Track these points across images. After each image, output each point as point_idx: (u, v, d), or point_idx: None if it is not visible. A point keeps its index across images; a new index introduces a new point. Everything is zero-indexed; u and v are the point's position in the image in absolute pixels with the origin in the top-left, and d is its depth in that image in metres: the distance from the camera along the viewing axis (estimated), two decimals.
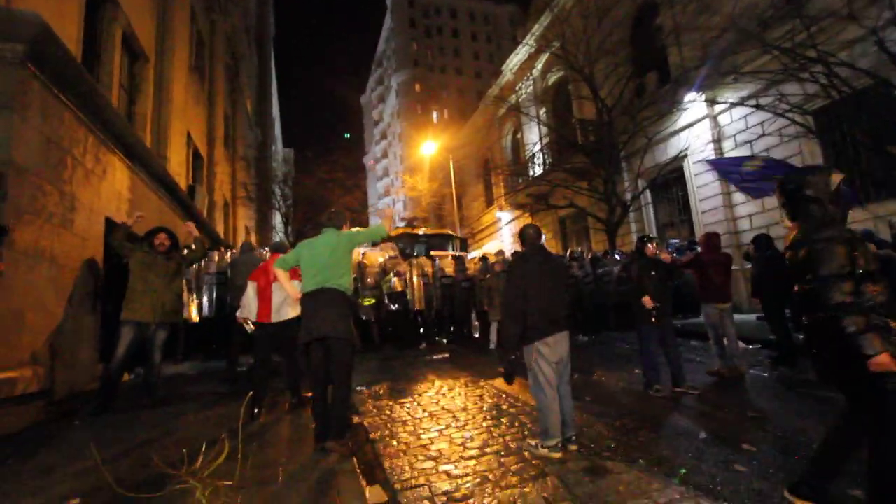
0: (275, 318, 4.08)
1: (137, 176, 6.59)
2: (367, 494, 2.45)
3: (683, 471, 2.71)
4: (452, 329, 8.65)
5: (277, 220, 20.20)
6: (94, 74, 6.63)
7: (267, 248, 6.92)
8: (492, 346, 7.50)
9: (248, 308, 4.09)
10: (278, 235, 18.97)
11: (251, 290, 4.12)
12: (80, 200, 4.84)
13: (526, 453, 3.05)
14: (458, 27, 52.87)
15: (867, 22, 6.24)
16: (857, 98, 7.08)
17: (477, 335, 8.38)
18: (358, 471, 2.73)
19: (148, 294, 4.28)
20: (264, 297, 4.06)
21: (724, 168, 7.78)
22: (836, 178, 2.25)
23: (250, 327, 4.22)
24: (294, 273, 3.86)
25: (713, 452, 2.96)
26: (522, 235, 3.35)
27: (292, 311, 4.09)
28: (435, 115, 49.83)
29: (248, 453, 2.91)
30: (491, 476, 2.74)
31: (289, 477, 2.65)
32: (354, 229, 3.61)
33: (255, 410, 3.94)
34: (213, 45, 14.75)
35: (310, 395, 3.79)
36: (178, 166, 9.77)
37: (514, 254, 3.76)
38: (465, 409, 4.12)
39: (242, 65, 20.46)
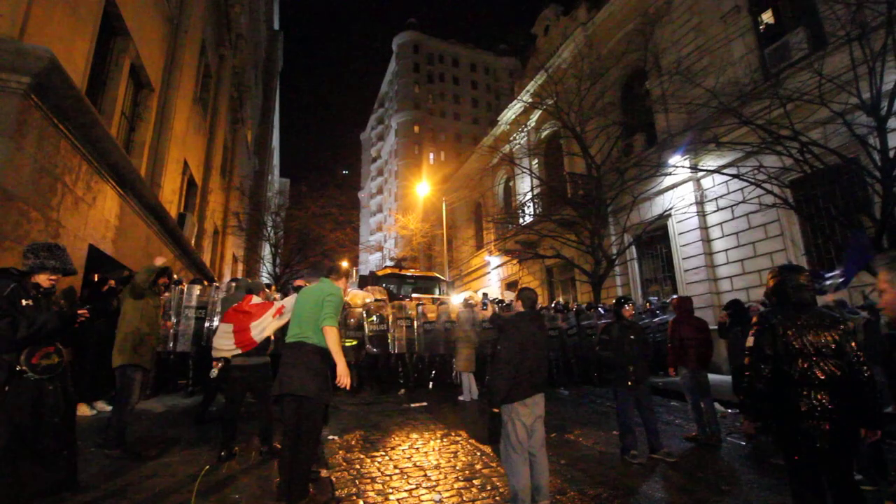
0: (251, 361, 4.00)
1: (127, 203, 6.58)
2: None
3: None
4: (433, 374, 8.49)
5: (266, 250, 20.08)
6: (97, 101, 6.74)
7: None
8: (461, 396, 7.38)
9: (220, 348, 4.00)
10: (265, 266, 18.78)
11: (225, 330, 4.04)
12: (66, 227, 4.81)
13: None
14: (459, 75, 55.15)
15: (835, 106, 6.65)
16: (829, 173, 7.45)
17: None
18: None
19: (152, 336, 4.18)
20: (241, 339, 3.98)
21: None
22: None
23: (214, 372, 4.12)
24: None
25: None
26: (523, 298, 3.41)
27: (264, 353, 4.06)
28: (431, 156, 51.04)
29: None
30: None
31: None
32: (338, 292, 3.45)
33: (222, 453, 3.82)
34: (219, 77, 15.18)
35: (279, 445, 3.72)
36: (171, 194, 9.80)
37: (516, 312, 3.73)
38: (437, 467, 4.00)
39: (247, 97, 21.00)
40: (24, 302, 2.44)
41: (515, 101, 19.44)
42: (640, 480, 3.79)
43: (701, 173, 10.94)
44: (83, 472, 3.27)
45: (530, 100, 17.03)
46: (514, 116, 20.27)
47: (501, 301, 10.28)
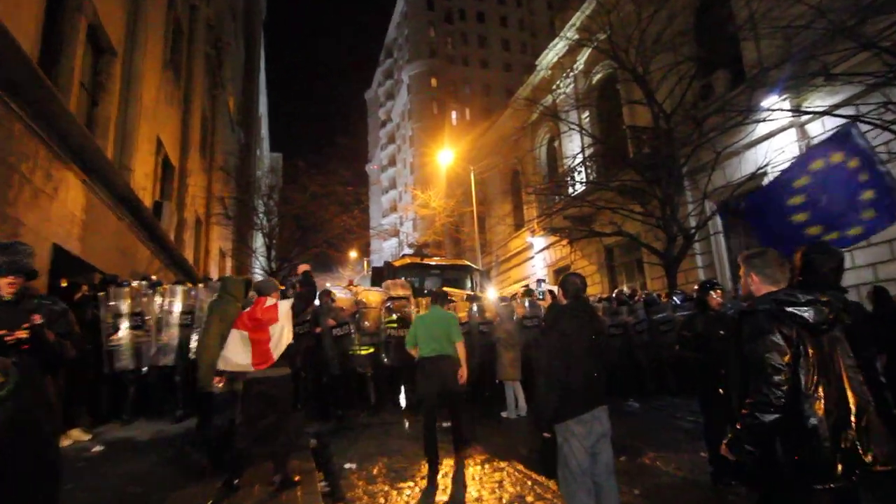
0: (275, 373, 4.17)
1: (95, 194, 6.84)
2: None
3: None
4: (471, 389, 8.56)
5: (259, 242, 20.57)
6: (51, 73, 6.97)
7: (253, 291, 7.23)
8: (504, 413, 7.45)
9: (231, 359, 4.18)
10: (258, 261, 19.27)
11: (237, 338, 4.21)
12: (26, 225, 5.04)
13: None
14: (484, 10, 54.25)
15: None
16: None
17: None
18: None
19: None
20: (259, 348, 4.15)
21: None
22: None
23: (218, 387, 4.32)
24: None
25: None
26: (566, 286, 3.38)
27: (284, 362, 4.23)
28: (454, 115, 50.77)
29: None
30: None
31: None
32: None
33: (227, 485, 4.00)
34: (192, 34, 15.47)
35: (297, 478, 4.16)
36: (143, 179, 10.13)
37: (552, 306, 3.78)
38: (479, 500, 4.05)
39: (226, 56, 21.37)
40: None
41: (558, 40, 18.99)
42: None
43: (806, 116, 10.46)
44: None
45: (576, 36, 16.58)
46: (556, 59, 19.82)
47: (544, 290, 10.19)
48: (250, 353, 4.18)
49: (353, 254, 35.51)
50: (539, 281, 10.63)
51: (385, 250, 51.64)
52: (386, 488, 4.41)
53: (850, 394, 2.19)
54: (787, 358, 2.15)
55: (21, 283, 2.74)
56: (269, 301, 4.34)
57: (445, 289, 11.76)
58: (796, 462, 2.13)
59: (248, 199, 19.62)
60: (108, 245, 7.48)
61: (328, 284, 16.28)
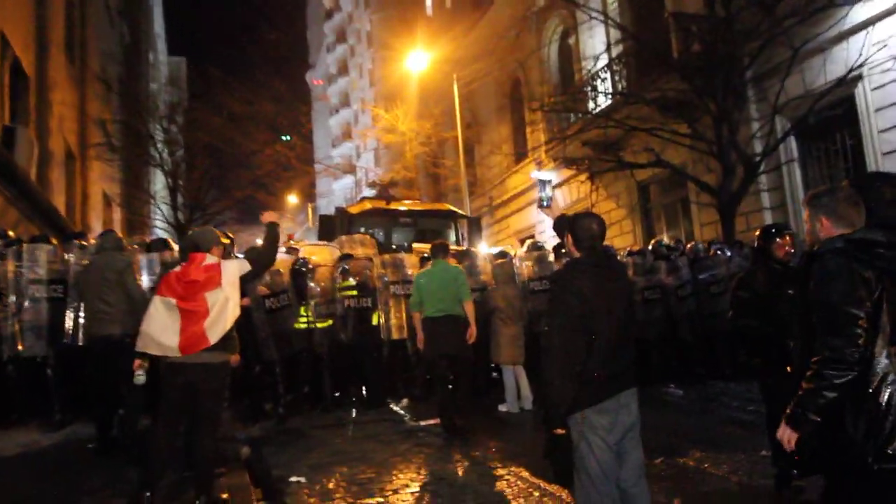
0: (203, 358, 4.24)
1: None
2: None
3: None
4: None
5: (159, 185, 20.30)
6: None
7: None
8: (503, 406, 7.69)
9: (152, 337, 4.24)
10: (160, 210, 19.08)
11: (161, 309, 4.27)
12: None
13: None
14: None
15: None
16: None
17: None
18: None
19: None
20: (189, 323, 4.20)
21: None
22: None
23: (142, 376, 4.49)
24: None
25: None
26: (577, 230, 3.38)
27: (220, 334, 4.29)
28: (429, 2, 49.62)
29: None
30: None
31: None
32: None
33: (148, 494, 4.11)
34: None
35: (225, 496, 4.35)
36: None
37: (565, 262, 3.83)
38: None
39: None
40: None
41: None
42: None
43: None
44: None
45: None
46: None
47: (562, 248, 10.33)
48: (178, 331, 4.22)
49: (291, 198, 35.41)
50: (521, 239, 10.83)
51: (336, 193, 51.50)
52: None
53: None
54: (866, 307, 2.25)
55: None
56: (210, 259, 4.37)
57: (419, 244, 11.94)
58: (869, 437, 2.22)
59: (139, 123, 19.22)
60: None
61: (258, 241, 16.15)
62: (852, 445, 2.24)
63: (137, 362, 4.53)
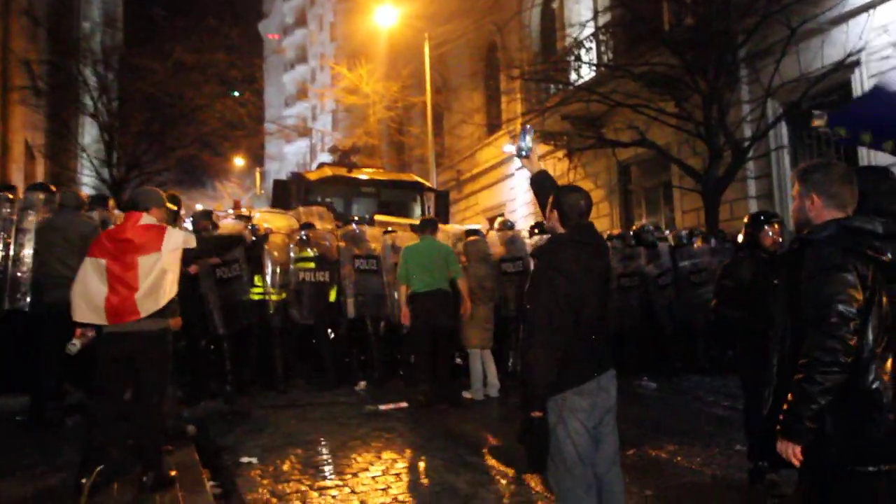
0: (141, 326, 4.30)
1: None
2: None
3: None
4: (413, 362, 8.89)
5: (90, 137, 19.88)
6: None
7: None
8: (467, 393, 7.90)
9: (81, 306, 4.31)
10: (91, 164, 18.73)
11: (91, 272, 4.31)
12: None
13: None
14: None
15: None
16: None
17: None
18: None
19: None
20: (118, 289, 4.23)
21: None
22: None
23: (76, 345, 4.56)
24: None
25: None
26: (563, 203, 3.49)
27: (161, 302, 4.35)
28: None
29: None
30: None
31: None
32: None
33: (83, 481, 4.13)
34: None
35: (174, 473, 4.45)
36: None
37: (548, 237, 3.96)
38: (436, 501, 4.39)
39: None
40: None
41: None
42: None
43: None
44: None
45: None
46: None
47: (540, 226, 10.50)
48: (105, 297, 4.26)
49: (238, 161, 34.89)
50: (490, 218, 11.00)
51: (289, 157, 50.99)
52: (302, 488, 4.68)
53: None
54: (859, 304, 2.34)
55: None
56: (147, 218, 4.38)
57: (381, 216, 12.02)
58: (849, 437, 2.37)
59: (70, 64, 18.77)
60: None
61: (199, 206, 15.95)
62: (831, 446, 2.36)
63: (79, 331, 4.61)
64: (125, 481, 4.45)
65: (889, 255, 2.47)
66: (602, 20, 15.99)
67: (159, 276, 4.28)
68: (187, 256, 6.68)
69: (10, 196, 7.47)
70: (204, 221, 7.89)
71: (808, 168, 2.73)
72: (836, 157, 12.46)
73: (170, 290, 4.35)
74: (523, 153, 8.92)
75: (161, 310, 4.35)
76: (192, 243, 4.57)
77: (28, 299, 6.65)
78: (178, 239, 4.41)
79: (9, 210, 6.93)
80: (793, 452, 2.39)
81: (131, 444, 4.63)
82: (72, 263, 5.77)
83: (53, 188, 7.38)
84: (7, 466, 4.86)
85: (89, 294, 4.30)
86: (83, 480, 4.21)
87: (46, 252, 6.11)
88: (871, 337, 2.38)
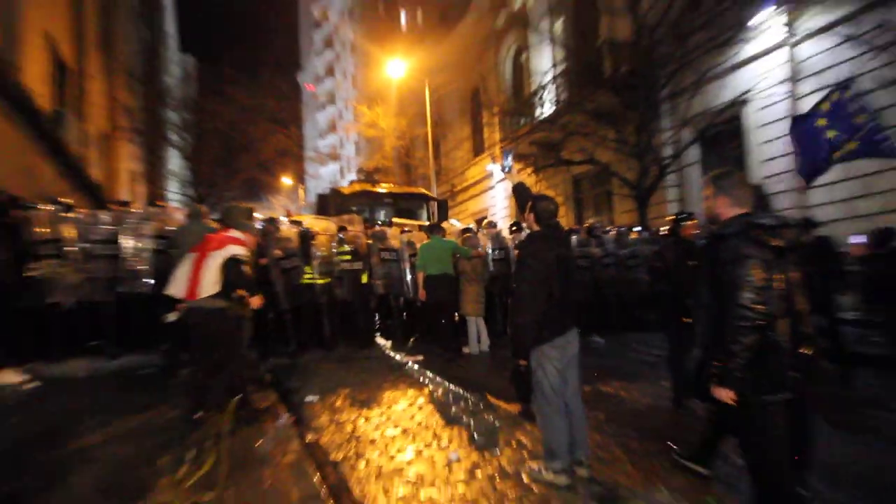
0: (203, 304, 4.45)
1: None
2: None
3: (712, 499, 3.25)
4: (427, 326, 9.07)
5: (175, 163, 19.98)
6: None
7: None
8: (466, 349, 8.11)
9: (175, 283, 4.55)
10: (175, 184, 18.80)
11: (185, 262, 4.58)
12: None
13: (526, 478, 3.55)
14: None
15: None
16: None
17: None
18: (324, 496, 3.16)
19: None
20: (192, 275, 4.47)
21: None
22: None
23: (171, 316, 4.76)
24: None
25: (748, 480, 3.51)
26: (539, 209, 3.68)
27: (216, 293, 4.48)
28: (404, 17, 48.91)
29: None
30: None
31: None
32: None
33: (196, 416, 4.42)
34: None
35: (262, 406, 4.68)
36: (37, 82, 9.67)
37: (527, 233, 4.16)
38: (448, 425, 4.61)
39: None
40: None
41: None
42: (696, 433, 4.41)
43: (797, 37, 10.96)
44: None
45: None
46: None
47: (518, 225, 10.68)
48: (185, 281, 4.50)
49: (286, 180, 34.95)
50: (481, 221, 11.08)
51: (323, 177, 50.76)
52: (353, 417, 4.89)
53: (804, 312, 2.67)
54: (763, 280, 2.50)
55: None
56: (233, 233, 4.61)
57: (398, 220, 12.18)
58: (759, 376, 2.54)
59: (159, 110, 18.87)
60: (3, 161, 7.31)
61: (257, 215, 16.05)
62: (741, 383, 2.53)
63: (178, 306, 4.78)
64: (224, 414, 4.56)
65: (781, 241, 2.58)
66: (558, 69, 16.13)
67: (216, 272, 4.43)
68: (262, 252, 6.89)
69: (133, 210, 7.70)
70: (269, 225, 8.08)
71: (717, 175, 2.86)
72: (736, 168, 12.71)
73: (211, 282, 4.44)
74: (506, 170, 8.76)
75: (218, 294, 4.46)
76: (244, 254, 4.65)
77: (147, 284, 6.85)
78: (238, 250, 4.54)
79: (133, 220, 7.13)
80: (727, 395, 2.55)
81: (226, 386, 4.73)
82: None
83: (160, 203, 7.58)
84: (140, 404, 5.07)
85: (179, 278, 4.55)
86: (195, 416, 4.43)
87: (179, 250, 6.14)
88: (773, 304, 2.52)
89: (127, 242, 6.93)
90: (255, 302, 4.91)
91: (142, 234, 6.95)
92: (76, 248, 6.71)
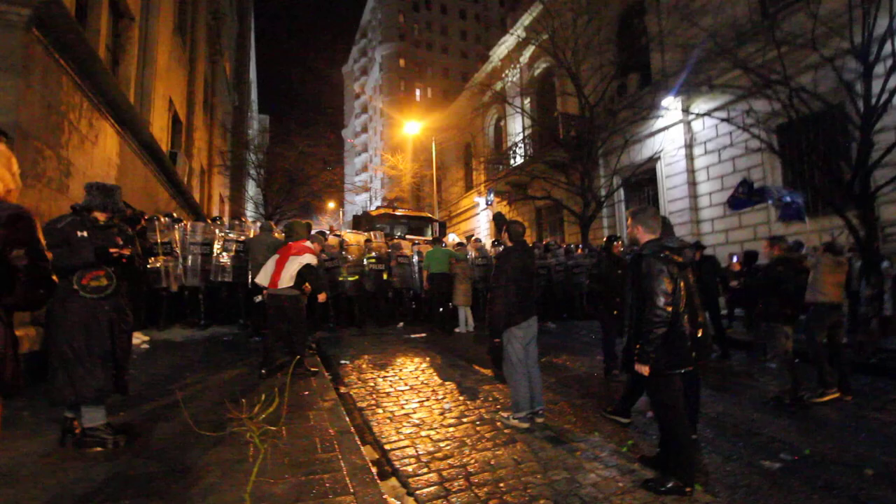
0: (280, 291, 4.49)
1: (125, 141, 6.58)
2: (363, 451, 2.83)
3: (631, 441, 3.23)
4: (429, 311, 9.01)
5: (251, 190, 19.88)
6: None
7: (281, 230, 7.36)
8: (457, 329, 7.98)
9: (263, 276, 4.59)
10: (250, 205, 18.68)
11: (270, 261, 4.61)
12: (75, 166, 4.91)
13: (499, 423, 3.51)
14: (446, 3, 51.87)
15: (826, 51, 6.80)
16: (814, 120, 7.72)
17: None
18: (353, 431, 3.11)
19: None
20: (276, 271, 4.50)
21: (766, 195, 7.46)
22: None
23: (259, 297, 4.97)
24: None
25: (657, 428, 3.49)
26: (511, 230, 3.69)
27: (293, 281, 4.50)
28: (418, 93, 49.25)
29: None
30: (468, 441, 3.18)
31: (299, 438, 3.01)
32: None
33: (263, 371, 4.39)
34: (196, 3, 14.26)
35: (314, 369, 4.59)
36: (159, 132, 9.62)
37: (498, 245, 4.20)
38: (442, 384, 4.56)
39: (223, 25, 19.79)
40: (79, 233, 2.68)
41: (508, 36, 18.74)
42: (619, 393, 4.40)
43: (692, 116, 11.09)
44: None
45: (524, 34, 16.44)
46: (506, 52, 19.60)
47: (497, 241, 10.67)
48: (270, 274, 4.48)
49: (331, 204, 34.80)
50: (469, 237, 11.07)
51: (357, 203, 50.51)
52: (374, 375, 4.84)
53: (698, 309, 2.68)
54: (671, 288, 2.52)
55: (110, 217, 2.87)
56: (308, 243, 4.63)
57: (409, 236, 12.11)
58: (667, 354, 2.56)
59: (242, 152, 18.78)
60: (136, 187, 7.25)
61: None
62: (654, 361, 2.54)
63: (263, 292, 4.84)
64: (285, 372, 4.55)
65: (682, 258, 2.59)
66: (527, 132, 16.21)
67: (294, 269, 4.45)
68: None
69: (220, 221, 7.65)
70: (320, 236, 8.00)
71: (635, 211, 2.85)
72: (650, 205, 12.80)
73: (289, 276, 4.46)
74: (489, 203, 8.65)
75: (296, 285, 4.49)
76: (315, 261, 4.66)
77: (229, 275, 6.81)
78: (311, 258, 4.56)
79: (221, 231, 7.09)
80: (644, 370, 2.55)
81: (287, 352, 4.74)
82: (265, 259, 5.98)
83: (244, 219, 7.54)
84: (221, 363, 5.00)
85: (266, 272, 4.54)
86: (262, 371, 4.40)
87: (255, 253, 6.20)
88: (679, 305, 2.54)
89: (217, 245, 6.87)
90: (321, 297, 5.00)
91: (227, 240, 6.90)
92: (181, 249, 6.66)
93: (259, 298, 5.13)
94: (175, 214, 7.84)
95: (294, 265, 4.45)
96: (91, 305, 2.70)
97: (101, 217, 2.80)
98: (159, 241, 6.32)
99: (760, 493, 2.59)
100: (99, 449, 2.67)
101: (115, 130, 6.11)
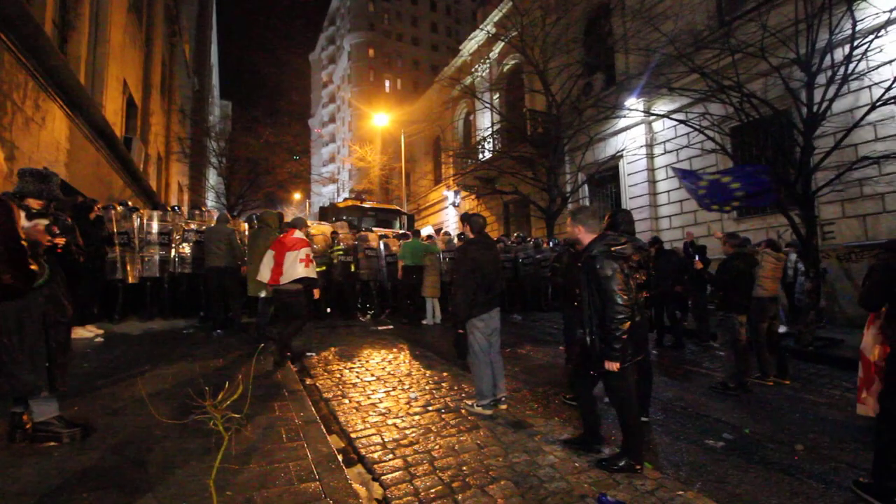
0: (284, 286, 4.54)
1: (76, 125, 6.25)
2: (329, 440, 2.86)
3: None
4: (396, 303, 9.02)
5: (212, 178, 19.19)
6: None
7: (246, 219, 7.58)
8: (424, 321, 8.03)
9: (261, 273, 4.65)
10: (211, 194, 18.05)
11: (266, 257, 4.62)
12: (20, 149, 4.64)
13: (463, 410, 3.60)
14: None
15: (775, 60, 7.24)
16: (763, 124, 8.19)
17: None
18: (319, 421, 3.13)
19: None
20: (276, 267, 4.53)
21: (688, 179, 8.03)
22: None
23: (264, 292, 5.06)
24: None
25: (613, 415, 3.68)
26: (472, 223, 3.75)
27: (295, 276, 4.56)
28: (388, 84, 48.59)
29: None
30: (433, 428, 3.26)
31: (264, 428, 3.00)
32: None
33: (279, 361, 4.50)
34: None
35: (289, 353, 4.68)
36: (112, 115, 9.15)
37: (464, 239, 4.29)
38: (409, 375, 4.61)
39: (182, 4, 18.91)
40: None
41: (478, 31, 18.80)
42: None
43: (653, 117, 11.52)
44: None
45: (494, 30, 16.52)
46: (476, 47, 19.70)
47: (462, 234, 10.77)
48: (270, 270, 4.53)
49: (297, 195, 34.05)
50: (438, 230, 11.15)
51: (324, 194, 49.61)
52: (340, 367, 4.83)
53: (641, 301, 2.81)
54: (623, 282, 2.61)
55: (45, 205, 2.71)
56: (297, 234, 4.62)
57: (377, 228, 12.03)
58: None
59: (203, 139, 18.07)
60: (88, 173, 6.89)
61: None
62: (622, 357, 2.58)
63: (267, 287, 4.99)
64: (270, 357, 4.60)
65: (632, 254, 2.69)
66: (495, 127, 16.36)
67: (294, 259, 4.48)
68: None
69: (179, 211, 7.38)
70: (301, 221, 7.90)
71: (575, 210, 2.93)
72: (611, 203, 13.22)
73: (302, 270, 4.49)
74: (455, 203, 8.74)
75: (298, 281, 4.53)
76: (311, 253, 4.72)
77: (188, 266, 6.67)
78: (308, 251, 4.62)
79: (180, 220, 6.85)
80: (612, 366, 2.58)
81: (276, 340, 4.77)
82: (219, 249, 5.85)
83: (204, 208, 7.31)
84: (182, 355, 4.85)
85: (265, 268, 4.59)
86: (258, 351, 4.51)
87: (209, 242, 6.06)
88: (632, 298, 2.63)
89: (175, 236, 6.65)
90: (316, 293, 5.08)
91: (187, 231, 6.68)
92: (138, 239, 6.40)
93: (264, 294, 5.24)
94: (131, 203, 7.52)
95: (291, 260, 4.50)
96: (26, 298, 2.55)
97: (35, 205, 2.65)
98: (115, 230, 6.04)
99: (703, 469, 2.80)
100: (53, 444, 2.58)
101: (64, 113, 5.79)
